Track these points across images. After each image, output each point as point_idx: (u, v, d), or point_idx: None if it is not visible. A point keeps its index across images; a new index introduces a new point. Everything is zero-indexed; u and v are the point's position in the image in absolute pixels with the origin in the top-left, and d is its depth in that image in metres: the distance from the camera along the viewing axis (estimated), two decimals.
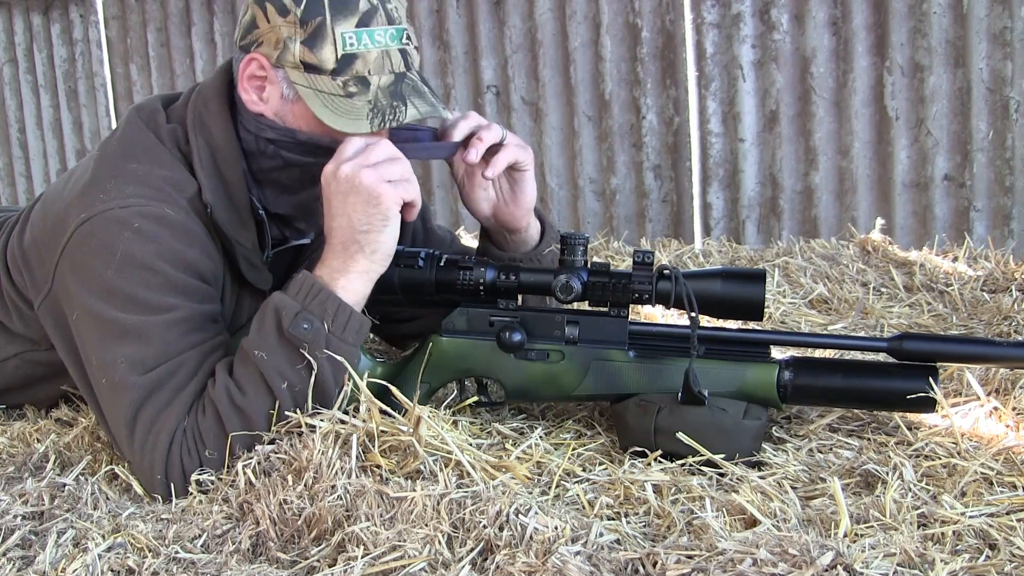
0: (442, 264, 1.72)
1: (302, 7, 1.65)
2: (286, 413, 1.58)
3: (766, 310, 2.09)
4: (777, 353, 1.74)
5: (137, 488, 1.62)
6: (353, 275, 1.62)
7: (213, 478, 1.56)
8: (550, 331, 1.71)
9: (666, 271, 1.65)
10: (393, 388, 1.62)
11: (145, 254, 1.63)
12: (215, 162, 1.74)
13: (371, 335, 2.33)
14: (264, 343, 1.58)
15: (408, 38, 1.72)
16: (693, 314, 1.61)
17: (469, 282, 1.71)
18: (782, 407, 1.68)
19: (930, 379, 1.61)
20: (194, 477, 1.56)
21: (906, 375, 1.63)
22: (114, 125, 5.11)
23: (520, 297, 1.76)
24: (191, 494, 1.56)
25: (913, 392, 1.61)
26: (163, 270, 1.63)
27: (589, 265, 1.69)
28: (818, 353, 1.96)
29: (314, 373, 1.56)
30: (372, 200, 1.61)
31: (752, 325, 1.94)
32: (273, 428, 1.57)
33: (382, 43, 1.68)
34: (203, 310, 1.66)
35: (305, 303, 1.58)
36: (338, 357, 1.58)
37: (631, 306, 1.72)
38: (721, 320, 1.89)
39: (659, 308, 2.40)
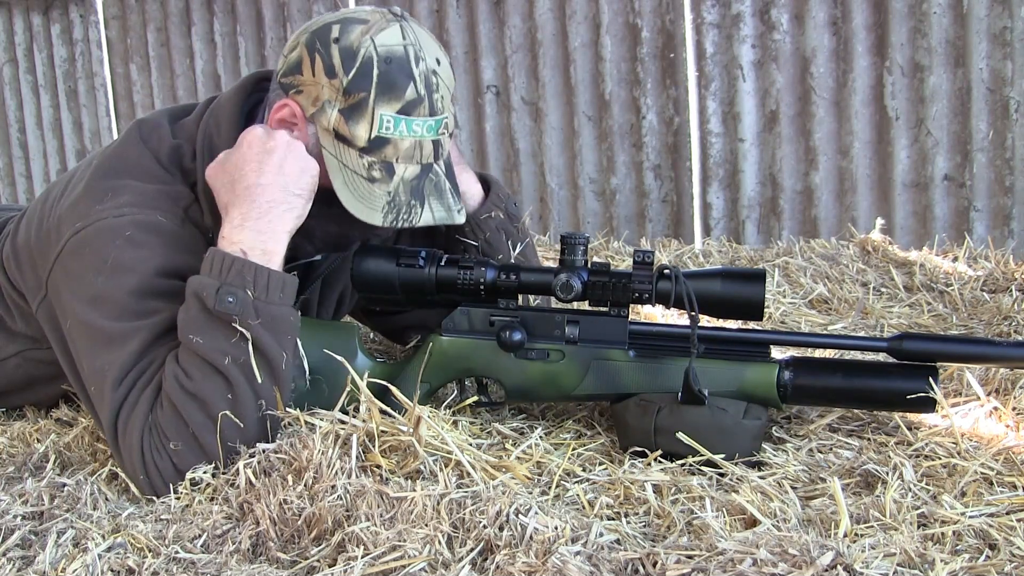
0: (442, 263, 1.72)
1: (350, 76, 1.62)
2: (287, 410, 1.58)
3: (766, 310, 2.09)
4: (777, 353, 1.74)
5: (135, 489, 1.62)
6: (277, 235, 1.61)
7: (209, 476, 1.56)
8: (550, 331, 1.71)
9: (666, 271, 1.65)
10: (393, 388, 1.63)
11: (134, 260, 1.63)
12: None
13: (371, 333, 2.33)
14: (196, 327, 1.56)
15: (445, 128, 1.70)
16: (693, 314, 1.61)
17: (469, 281, 1.71)
18: (782, 407, 1.68)
19: (930, 379, 1.61)
20: (190, 475, 1.56)
21: (906, 375, 1.63)
22: (114, 125, 5.12)
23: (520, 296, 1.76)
24: (177, 491, 1.55)
25: (913, 392, 1.61)
26: (150, 276, 1.63)
27: (589, 265, 1.69)
28: (818, 353, 1.96)
29: (250, 341, 1.55)
30: (307, 168, 1.64)
31: (752, 325, 1.94)
32: (280, 411, 1.57)
33: (418, 134, 1.66)
34: None
35: (223, 277, 1.56)
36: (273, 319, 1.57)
37: (631, 306, 1.72)
38: (721, 320, 1.89)
39: (659, 308, 2.40)
